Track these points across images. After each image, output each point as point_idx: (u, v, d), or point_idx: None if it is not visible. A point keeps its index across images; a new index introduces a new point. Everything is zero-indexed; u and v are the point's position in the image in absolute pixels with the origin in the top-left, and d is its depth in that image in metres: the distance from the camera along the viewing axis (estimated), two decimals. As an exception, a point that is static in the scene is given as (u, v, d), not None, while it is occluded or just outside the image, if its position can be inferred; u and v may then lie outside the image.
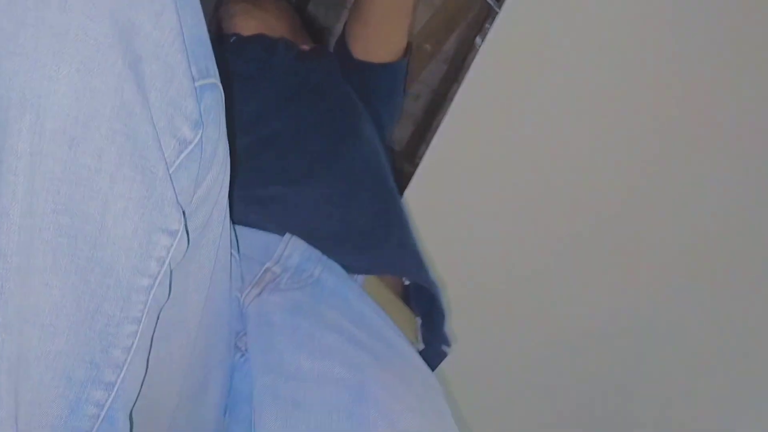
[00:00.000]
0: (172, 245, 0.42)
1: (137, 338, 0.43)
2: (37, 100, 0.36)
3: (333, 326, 0.63)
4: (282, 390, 0.58)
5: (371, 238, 0.77)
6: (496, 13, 0.95)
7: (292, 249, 0.68)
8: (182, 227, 0.43)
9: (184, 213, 0.43)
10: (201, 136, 0.43)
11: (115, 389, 0.43)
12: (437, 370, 0.76)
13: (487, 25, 0.94)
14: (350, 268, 0.72)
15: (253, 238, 0.69)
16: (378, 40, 0.94)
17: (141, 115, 0.39)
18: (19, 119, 0.36)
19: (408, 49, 0.98)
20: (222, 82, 0.81)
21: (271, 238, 0.69)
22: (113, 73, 0.37)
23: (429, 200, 1.08)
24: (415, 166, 1.10)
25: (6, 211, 0.37)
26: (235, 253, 0.62)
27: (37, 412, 0.41)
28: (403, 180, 1.07)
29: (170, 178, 0.41)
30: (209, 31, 0.46)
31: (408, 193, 1.07)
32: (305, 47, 1.02)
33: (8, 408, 0.39)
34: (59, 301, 0.40)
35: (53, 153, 0.37)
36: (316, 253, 0.69)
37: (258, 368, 0.60)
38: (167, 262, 0.43)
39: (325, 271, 0.68)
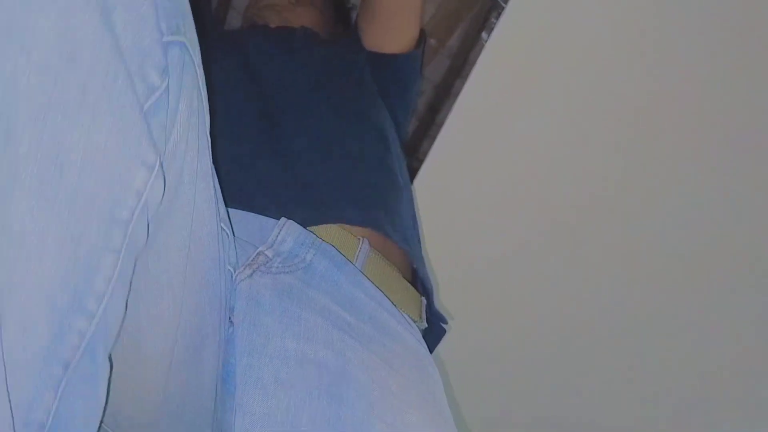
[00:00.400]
0: (149, 180, 0.45)
1: (117, 269, 0.45)
2: (22, 31, 0.38)
3: (321, 310, 0.64)
4: (265, 371, 0.59)
5: (370, 196, 0.79)
6: (502, 7, 0.95)
7: (286, 234, 0.69)
8: (158, 163, 0.45)
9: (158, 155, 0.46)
10: (168, 84, 0.45)
11: (96, 319, 0.44)
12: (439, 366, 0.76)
13: (493, 20, 0.93)
14: (348, 219, 0.74)
15: (247, 221, 0.70)
16: (388, 31, 0.94)
17: (116, 56, 0.41)
18: (5, 47, 0.37)
19: (421, 38, 0.99)
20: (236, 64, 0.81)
21: (265, 221, 0.70)
22: (90, 17, 0.40)
23: (434, 195, 1.08)
24: (419, 161, 1.10)
25: None
26: (224, 227, 0.62)
27: (22, 338, 0.41)
28: (411, 175, 1.07)
29: (144, 116, 0.44)
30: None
31: (413, 187, 1.07)
32: (325, 36, 1.03)
33: None
34: (44, 227, 0.41)
35: (39, 84, 0.39)
36: (309, 238, 0.70)
37: (243, 348, 0.61)
38: (144, 196, 0.45)
39: (318, 255, 0.69)
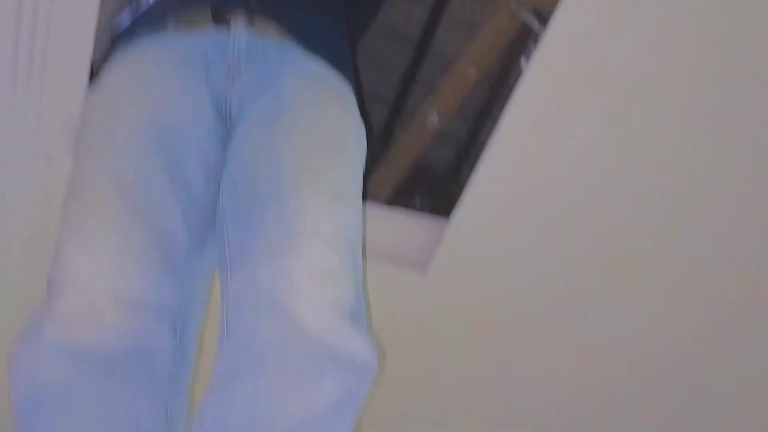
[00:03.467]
0: None
1: None
2: None
3: (280, 76, 0.91)
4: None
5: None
6: (537, 35, 0.95)
7: (238, 38, 0.91)
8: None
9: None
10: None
11: None
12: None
13: (531, 45, 0.93)
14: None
15: (207, 41, 0.91)
16: None
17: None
18: None
19: None
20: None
21: (219, 31, 0.92)
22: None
23: (476, 222, 1.08)
24: (460, 186, 1.10)
25: None
26: None
27: None
28: (450, 202, 1.07)
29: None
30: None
31: (456, 214, 1.07)
32: None
33: None
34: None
35: None
36: (254, 37, 0.92)
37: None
38: None
39: (266, 45, 0.93)
